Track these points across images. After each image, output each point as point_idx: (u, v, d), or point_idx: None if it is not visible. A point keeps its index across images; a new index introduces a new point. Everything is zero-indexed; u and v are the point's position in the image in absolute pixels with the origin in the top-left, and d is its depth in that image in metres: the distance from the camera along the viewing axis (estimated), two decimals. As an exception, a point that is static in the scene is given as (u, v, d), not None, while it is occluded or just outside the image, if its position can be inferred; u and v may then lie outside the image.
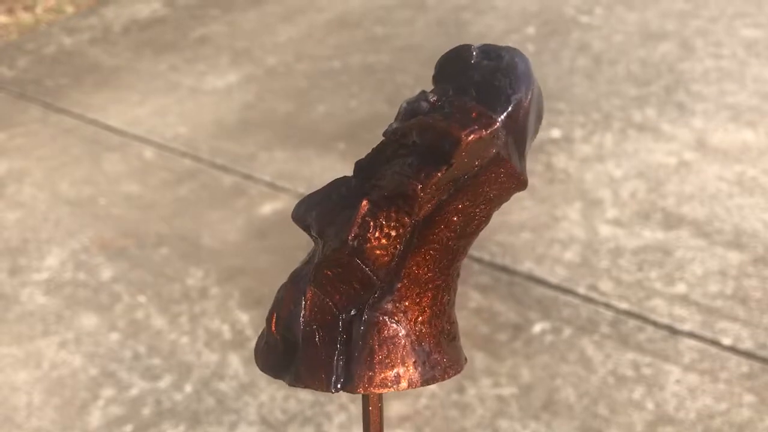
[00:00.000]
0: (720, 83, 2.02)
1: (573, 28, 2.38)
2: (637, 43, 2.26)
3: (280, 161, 1.88)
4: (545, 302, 1.40)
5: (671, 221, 1.57)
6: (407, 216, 0.36)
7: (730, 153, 1.76)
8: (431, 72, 0.39)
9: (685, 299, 1.38)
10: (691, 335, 1.31)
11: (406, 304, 0.38)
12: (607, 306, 1.38)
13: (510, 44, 0.39)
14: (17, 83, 2.38)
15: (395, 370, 0.37)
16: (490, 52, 0.38)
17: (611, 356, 1.29)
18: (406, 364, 0.38)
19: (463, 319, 1.34)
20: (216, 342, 1.38)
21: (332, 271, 0.37)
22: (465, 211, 0.37)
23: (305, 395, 1.26)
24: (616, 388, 1.23)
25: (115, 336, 1.42)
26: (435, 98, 0.37)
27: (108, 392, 1.31)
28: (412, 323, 0.38)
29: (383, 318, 0.37)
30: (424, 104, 0.36)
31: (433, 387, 1.25)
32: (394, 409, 1.23)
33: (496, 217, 0.40)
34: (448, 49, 0.39)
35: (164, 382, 1.32)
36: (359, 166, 0.38)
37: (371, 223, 0.36)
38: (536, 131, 0.38)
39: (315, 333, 0.37)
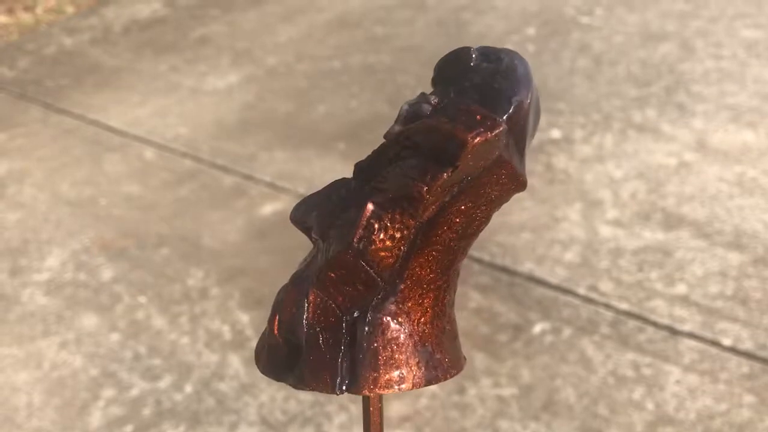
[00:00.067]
0: (720, 84, 2.03)
1: (573, 28, 2.38)
2: (637, 44, 2.26)
3: (280, 162, 1.88)
4: (545, 303, 1.40)
5: (671, 222, 1.57)
6: (412, 218, 0.37)
7: (731, 154, 1.76)
8: (432, 73, 0.39)
9: (685, 300, 1.38)
10: (691, 336, 1.31)
11: (409, 305, 0.38)
12: (608, 306, 1.38)
13: (510, 45, 0.39)
14: (18, 84, 2.38)
15: (399, 371, 0.37)
16: (490, 54, 0.38)
17: (611, 357, 1.29)
18: (410, 365, 0.38)
19: (463, 319, 1.34)
20: (216, 342, 1.38)
21: (336, 273, 0.37)
22: (467, 212, 0.38)
23: (305, 396, 1.26)
24: (616, 388, 1.23)
25: (115, 336, 1.42)
26: (437, 100, 0.37)
27: (108, 392, 1.31)
28: (414, 324, 0.38)
29: (387, 319, 0.37)
30: (426, 106, 0.37)
31: (433, 387, 1.25)
32: (394, 409, 1.23)
33: (497, 217, 0.40)
34: (448, 50, 0.39)
35: (164, 383, 1.32)
36: (359, 167, 0.38)
37: (376, 225, 0.36)
38: (534, 132, 0.39)
39: (318, 335, 0.38)
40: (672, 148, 1.80)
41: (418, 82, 2.15)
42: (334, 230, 0.38)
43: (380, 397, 0.40)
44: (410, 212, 0.36)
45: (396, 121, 0.37)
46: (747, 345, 1.29)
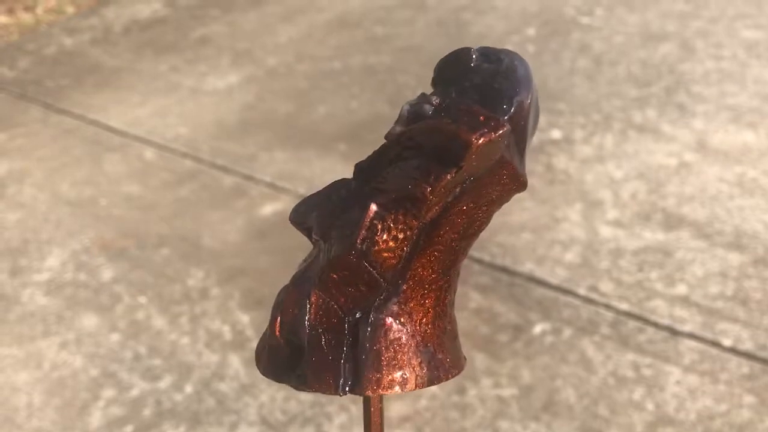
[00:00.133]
0: (720, 84, 2.03)
1: (573, 28, 2.38)
2: (637, 44, 2.26)
3: (280, 162, 1.88)
4: (546, 303, 1.40)
5: (672, 222, 1.57)
6: (415, 219, 0.36)
7: (731, 154, 1.76)
8: (432, 73, 0.39)
9: (685, 300, 1.38)
10: (692, 336, 1.31)
11: (411, 305, 0.38)
12: (608, 307, 1.38)
13: (510, 45, 0.40)
14: (18, 84, 2.38)
15: (402, 372, 0.37)
16: (490, 55, 0.38)
17: (611, 357, 1.29)
18: (413, 365, 0.38)
19: (463, 319, 1.34)
20: (216, 343, 1.38)
21: (338, 274, 0.37)
22: (469, 212, 0.38)
23: (305, 396, 1.26)
24: (617, 388, 1.23)
25: (115, 336, 1.42)
26: (438, 101, 0.37)
27: (108, 393, 1.31)
28: (417, 324, 0.38)
29: (389, 320, 0.37)
30: (427, 107, 0.37)
31: (433, 387, 1.25)
32: (394, 409, 1.23)
33: (497, 218, 0.40)
34: (448, 50, 0.39)
35: (164, 383, 1.32)
36: (360, 168, 0.38)
37: (379, 226, 0.36)
38: (534, 132, 0.39)
39: (321, 336, 0.38)
40: (672, 148, 1.80)
41: (418, 82, 2.15)
42: (335, 231, 0.37)
43: (381, 398, 0.40)
44: (413, 213, 0.36)
45: (397, 122, 0.37)
46: (747, 345, 1.29)
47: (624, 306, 1.38)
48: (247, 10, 2.74)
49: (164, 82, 2.31)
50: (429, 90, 0.39)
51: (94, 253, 1.63)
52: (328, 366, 0.37)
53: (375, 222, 0.36)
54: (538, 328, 1.35)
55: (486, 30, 2.41)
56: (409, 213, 0.36)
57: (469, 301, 1.41)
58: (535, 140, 0.40)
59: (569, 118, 1.94)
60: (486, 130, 0.35)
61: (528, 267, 1.48)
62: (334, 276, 0.37)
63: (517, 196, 0.39)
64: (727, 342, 1.30)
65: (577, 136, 1.87)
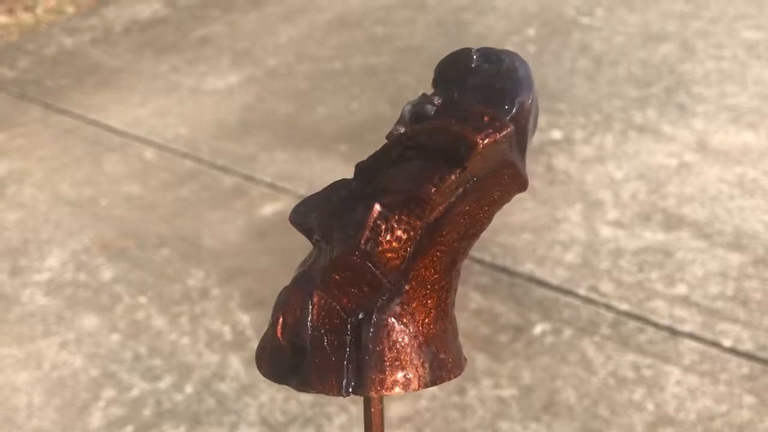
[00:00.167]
0: (721, 85, 2.03)
1: (573, 29, 2.38)
2: (637, 45, 2.26)
3: (280, 162, 1.88)
4: (546, 303, 1.40)
5: (672, 222, 1.57)
6: (418, 219, 0.36)
7: (731, 154, 1.76)
8: (432, 73, 0.39)
9: (685, 300, 1.38)
10: (692, 336, 1.31)
11: (414, 305, 0.38)
12: (608, 307, 1.38)
13: (511, 45, 0.40)
14: (18, 84, 2.38)
15: (405, 372, 0.37)
16: (491, 55, 0.38)
17: (612, 357, 1.29)
18: (415, 366, 0.38)
19: (463, 320, 1.34)
20: (216, 343, 1.38)
21: (341, 274, 0.37)
22: (471, 213, 0.38)
23: (305, 396, 1.26)
24: (617, 389, 1.23)
25: (115, 337, 1.42)
26: (440, 101, 0.37)
27: (108, 393, 1.31)
28: (419, 325, 0.38)
29: (392, 320, 0.37)
30: (429, 107, 0.37)
31: (433, 388, 1.25)
32: (394, 410, 1.23)
33: (498, 218, 0.40)
34: (448, 51, 0.39)
35: (165, 383, 1.32)
36: (360, 168, 0.38)
37: (383, 227, 0.36)
38: (533, 132, 0.39)
39: (323, 337, 0.37)
40: (672, 148, 1.80)
41: (419, 82, 2.15)
42: (337, 232, 0.37)
43: (381, 398, 0.40)
44: (417, 213, 0.36)
45: (398, 122, 0.37)
46: (747, 346, 1.29)
47: (624, 306, 1.38)
48: (247, 10, 2.74)
49: (164, 82, 2.31)
50: (429, 90, 0.39)
51: (94, 253, 1.63)
52: (331, 367, 0.37)
53: (379, 222, 0.36)
54: (538, 329, 1.35)
55: (486, 30, 2.41)
56: (413, 213, 0.36)
57: (470, 302, 1.41)
58: (535, 140, 0.40)
59: (569, 118, 1.94)
60: (491, 131, 0.35)
61: (528, 267, 1.48)
62: (337, 277, 0.37)
63: (517, 197, 0.39)
64: (727, 342, 1.30)
65: (577, 136, 1.87)
